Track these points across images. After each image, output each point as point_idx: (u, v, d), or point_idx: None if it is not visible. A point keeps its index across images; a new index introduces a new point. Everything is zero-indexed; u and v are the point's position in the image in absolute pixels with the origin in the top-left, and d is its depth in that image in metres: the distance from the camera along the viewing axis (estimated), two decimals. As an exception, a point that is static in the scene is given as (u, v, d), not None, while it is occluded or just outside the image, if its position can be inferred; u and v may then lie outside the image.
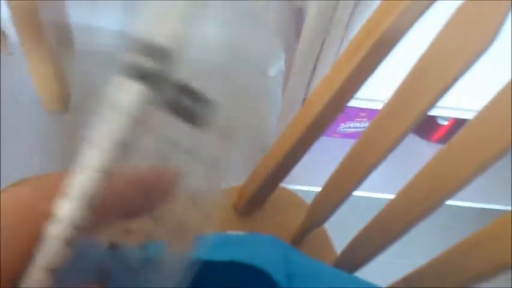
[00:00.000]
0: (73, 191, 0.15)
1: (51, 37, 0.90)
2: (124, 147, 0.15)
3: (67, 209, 0.15)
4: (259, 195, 0.59)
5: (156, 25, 0.15)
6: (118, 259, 0.18)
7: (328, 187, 0.53)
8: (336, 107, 0.47)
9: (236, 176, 0.48)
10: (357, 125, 1.12)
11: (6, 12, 0.84)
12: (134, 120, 0.15)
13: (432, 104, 0.38)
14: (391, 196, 0.46)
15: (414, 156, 1.08)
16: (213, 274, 0.22)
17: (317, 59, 0.85)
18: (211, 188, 0.19)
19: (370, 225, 0.50)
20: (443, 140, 1.19)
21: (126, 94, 0.15)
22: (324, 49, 0.82)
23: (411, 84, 0.40)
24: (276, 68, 1.03)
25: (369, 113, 1.07)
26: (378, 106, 0.44)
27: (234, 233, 0.42)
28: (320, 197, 0.55)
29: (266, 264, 0.30)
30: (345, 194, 0.50)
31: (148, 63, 0.15)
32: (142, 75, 0.15)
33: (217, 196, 0.19)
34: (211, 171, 0.18)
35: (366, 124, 0.46)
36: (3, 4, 0.82)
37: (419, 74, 0.39)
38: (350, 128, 1.13)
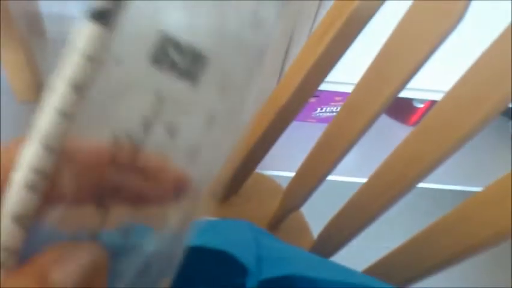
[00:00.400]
0: (32, 135, 0.15)
1: (22, 27, 0.88)
2: (80, 88, 0.15)
3: (27, 153, 0.15)
4: (235, 181, 0.59)
5: None
6: (106, 218, 0.18)
7: (303, 170, 0.53)
8: (308, 89, 0.46)
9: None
10: (333, 109, 1.12)
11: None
12: (88, 60, 0.15)
13: (401, 86, 0.38)
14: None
15: (393, 140, 1.09)
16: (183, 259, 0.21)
17: (290, 39, 0.84)
18: (211, 145, 0.18)
19: (346, 207, 0.50)
20: (420, 122, 1.20)
21: (80, 35, 0.15)
22: (296, 30, 0.82)
23: (380, 66, 0.40)
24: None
25: (345, 97, 1.07)
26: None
27: (207, 218, 0.42)
28: (295, 181, 0.55)
29: (236, 248, 0.30)
30: (320, 177, 0.50)
31: (101, 3, 0.15)
32: (96, 15, 0.15)
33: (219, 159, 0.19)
34: (208, 127, 0.18)
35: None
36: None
37: (387, 56, 0.39)
38: (325, 112, 1.13)
